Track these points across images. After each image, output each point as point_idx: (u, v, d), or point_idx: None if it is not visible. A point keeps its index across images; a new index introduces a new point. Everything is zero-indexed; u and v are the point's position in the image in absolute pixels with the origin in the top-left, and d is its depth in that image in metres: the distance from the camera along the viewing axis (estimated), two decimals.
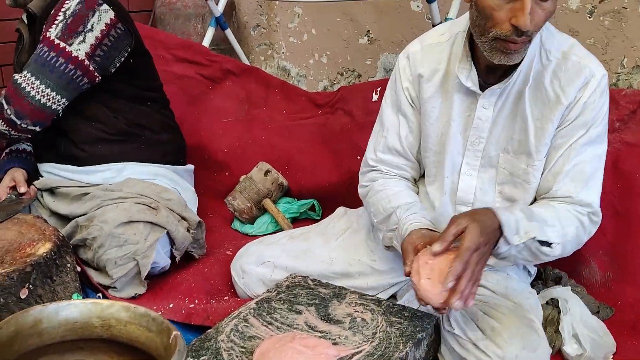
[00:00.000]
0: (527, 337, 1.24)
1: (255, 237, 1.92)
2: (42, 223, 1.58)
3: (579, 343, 1.36)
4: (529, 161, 1.35)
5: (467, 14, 1.33)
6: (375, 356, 1.22)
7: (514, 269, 1.51)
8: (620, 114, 1.73)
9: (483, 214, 1.20)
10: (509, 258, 1.26)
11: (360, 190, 1.54)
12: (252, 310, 1.37)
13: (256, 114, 2.32)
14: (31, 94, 1.62)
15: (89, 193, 1.70)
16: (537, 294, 1.50)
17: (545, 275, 1.61)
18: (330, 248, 1.59)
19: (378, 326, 1.31)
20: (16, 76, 1.64)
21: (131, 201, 1.64)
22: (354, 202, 1.79)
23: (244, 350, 1.23)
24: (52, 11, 1.66)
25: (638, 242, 1.66)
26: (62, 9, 1.64)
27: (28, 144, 1.88)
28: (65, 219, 1.73)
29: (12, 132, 1.67)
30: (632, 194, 1.68)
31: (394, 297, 1.51)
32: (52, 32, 1.63)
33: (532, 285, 1.58)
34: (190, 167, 1.98)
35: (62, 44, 1.63)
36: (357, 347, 1.24)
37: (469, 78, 1.34)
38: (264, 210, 2.06)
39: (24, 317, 1.05)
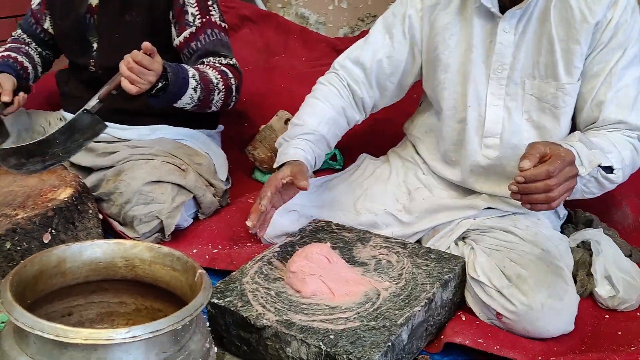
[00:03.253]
0: (554, 285, 1.20)
1: None
2: (62, 170, 1.57)
3: (611, 285, 1.32)
4: (558, 85, 1.30)
5: None
6: (402, 296, 1.19)
7: (545, 212, 1.47)
8: None
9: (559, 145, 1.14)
10: (577, 193, 1.21)
11: (314, 85, 1.54)
12: (276, 254, 1.35)
13: (275, 62, 2.27)
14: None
15: (117, 152, 1.69)
16: (568, 237, 1.46)
17: (576, 219, 1.57)
18: (355, 197, 1.56)
19: (404, 268, 1.29)
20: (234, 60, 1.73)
21: (161, 159, 1.63)
22: (376, 150, 1.76)
23: (268, 291, 1.21)
24: None
25: None
26: None
27: (25, 57, 1.82)
28: (85, 172, 1.72)
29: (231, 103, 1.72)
30: None
31: (419, 242, 1.48)
32: (215, 17, 1.71)
33: (563, 228, 1.54)
34: (221, 127, 1.98)
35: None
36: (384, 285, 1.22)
37: None
38: None
39: (47, 257, 1.04)
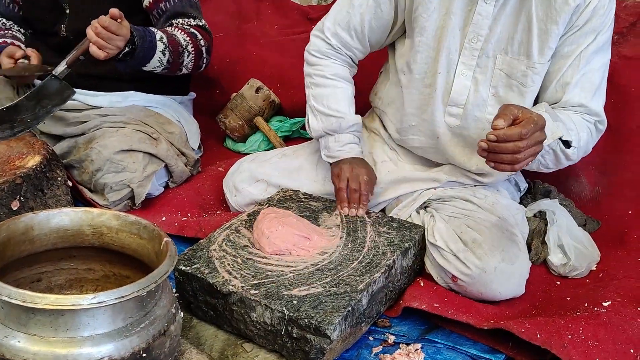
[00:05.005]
0: (508, 249, 1.26)
1: (247, 154, 1.91)
2: (31, 137, 1.57)
3: (563, 253, 1.38)
4: (529, 63, 1.31)
5: None
6: (364, 263, 1.24)
7: (505, 184, 1.52)
8: (620, 26, 1.69)
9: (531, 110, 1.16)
10: (533, 164, 1.24)
11: (308, 57, 1.53)
12: (243, 222, 1.38)
13: (247, 29, 2.26)
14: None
15: (87, 121, 1.68)
16: (526, 207, 1.51)
17: (535, 190, 1.63)
18: (322, 167, 1.59)
19: (366, 236, 1.34)
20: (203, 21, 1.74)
21: (133, 127, 1.64)
22: None
23: (235, 258, 1.25)
24: None
25: (628, 156, 1.67)
26: None
27: (14, 39, 1.80)
28: (55, 140, 1.72)
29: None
30: (625, 108, 1.67)
31: (382, 211, 1.53)
32: None
33: (522, 199, 1.60)
34: (193, 94, 1.98)
35: None
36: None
37: None
38: (255, 129, 2.05)
39: (15, 224, 1.06)
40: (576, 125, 1.25)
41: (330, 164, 1.49)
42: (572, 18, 1.27)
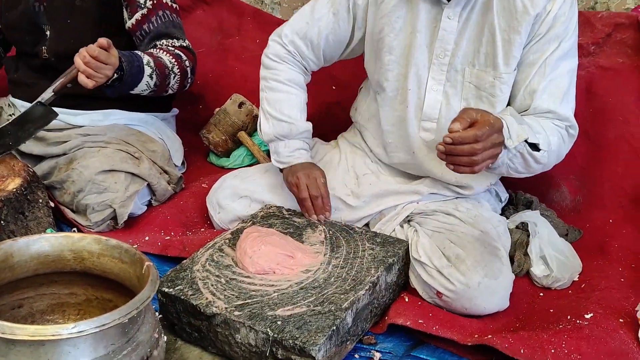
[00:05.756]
0: (491, 265, 1.27)
1: (231, 169, 1.91)
2: (12, 158, 1.56)
3: (546, 264, 1.39)
4: (496, 74, 1.33)
5: None
6: (348, 281, 1.24)
7: (486, 195, 1.53)
8: (596, 37, 1.71)
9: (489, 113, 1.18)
10: (501, 167, 1.26)
11: (265, 60, 1.56)
12: (227, 240, 1.38)
13: (229, 44, 2.25)
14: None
15: (68, 141, 1.67)
16: (508, 219, 1.53)
17: (517, 201, 1.64)
18: None
19: (350, 252, 1.34)
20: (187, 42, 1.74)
21: (114, 147, 1.63)
22: (330, 133, 1.79)
23: (218, 279, 1.25)
24: None
25: (608, 165, 1.69)
26: None
27: None
28: (35, 160, 1.71)
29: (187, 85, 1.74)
30: (603, 118, 1.69)
31: (367, 225, 1.53)
32: None
33: (504, 210, 1.61)
34: (175, 110, 1.98)
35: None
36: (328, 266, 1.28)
37: None
38: (239, 143, 2.05)
39: None
40: (545, 129, 1.27)
41: (282, 170, 1.52)
42: (534, 27, 1.30)
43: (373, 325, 1.29)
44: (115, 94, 1.55)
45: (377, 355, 1.22)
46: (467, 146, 1.11)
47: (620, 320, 1.18)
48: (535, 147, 1.24)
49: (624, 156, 1.68)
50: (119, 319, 0.92)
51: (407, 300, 1.32)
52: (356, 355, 1.22)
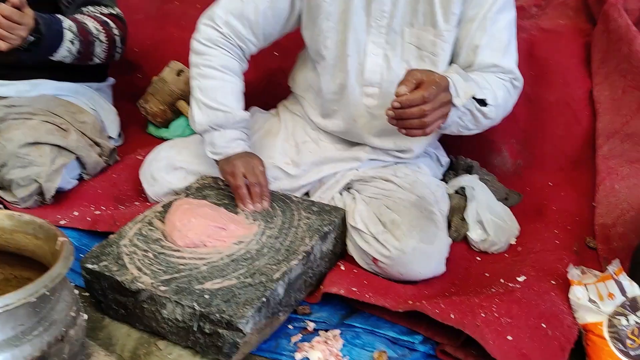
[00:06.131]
0: (426, 229, 1.25)
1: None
2: None
3: (483, 229, 1.39)
4: (436, 32, 1.31)
5: None
6: (281, 251, 1.21)
7: (426, 160, 1.51)
8: None
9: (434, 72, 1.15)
10: (452, 126, 1.24)
11: (195, 45, 1.45)
12: (157, 214, 1.33)
13: (168, 10, 2.16)
14: None
15: None
16: (447, 184, 1.51)
17: (457, 165, 1.63)
18: None
19: (285, 222, 1.30)
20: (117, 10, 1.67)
21: (40, 119, 1.55)
22: (272, 101, 1.74)
23: (145, 253, 1.20)
24: None
25: (549, 128, 1.68)
26: None
27: None
28: None
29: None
30: (544, 80, 1.68)
31: (306, 194, 1.50)
32: None
33: (444, 175, 1.59)
34: (111, 80, 1.89)
35: None
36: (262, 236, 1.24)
37: None
38: (178, 113, 1.97)
39: None
40: (491, 84, 1.26)
41: (217, 162, 1.41)
42: None
43: (308, 295, 1.26)
44: (34, 59, 1.46)
45: (311, 325, 1.19)
46: (415, 108, 1.09)
47: (553, 282, 1.18)
48: (483, 102, 1.23)
49: (564, 119, 1.68)
50: (26, 299, 0.86)
51: (343, 268, 1.30)
52: (290, 326, 1.20)
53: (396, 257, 1.23)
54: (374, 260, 1.26)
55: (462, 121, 1.24)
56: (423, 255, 1.24)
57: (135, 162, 1.69)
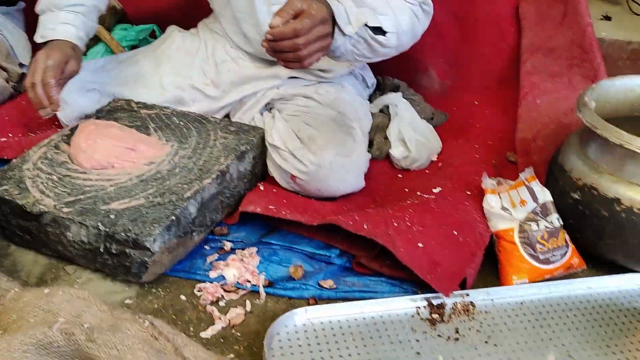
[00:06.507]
0: (343, 143, 1.22)
1: None
2: None
3: (405, 146, 1.37)
4: None
5: None
6: (194, 171, 1.17)
7: (351, 79, 1.47)
8: None
9: (317, 1, 1.07)
10: (347, 54, 1.16)
11: None
12: (64, 137, 1.26)
13: None
14: None
15: None
16: (372, 103, 1.48)
17: (384, 86, 1.60)
18: (161, 73, 1.46)
19: (200, 142, 1.26)
20: None
21: None
22: (196, 19, 1.65)
23: (50, 176, 1.14)
24: None
25: (477, 47, 1.66)
26: None
27: None
28: None
29: None
30: None
31: (227, 116, 1.45)
32: None
33: (371, 96, 1.56)
34: (22, 4, 1.76)
35: None
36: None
37: None
38: (97, 39, 1.86)
39: None
40: (394, 9, 1.18)
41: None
42: None
43: (226, 216, 1.23)
44: None
45: (228, 244, 1.17)
46: (288, 42, 1.02)
47: (468, 192, 1.18)
48: (380, 31, 1.17)
49: (491, 38, 1.66)
50: None
51: (262, 188, 1.26)
52: (206, 247, 1.17)
53: (313, 172, 1.21)
54: (292, 177, 1.24)
55: (357, 49, 1.16)
56: (340, 168, 1.21)
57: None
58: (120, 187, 1.12)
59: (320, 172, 1.20)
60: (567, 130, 1.32)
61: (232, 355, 0.95)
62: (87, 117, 1.36)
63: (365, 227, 1.05)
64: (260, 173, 1.32)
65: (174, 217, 1.05)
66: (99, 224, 1.03)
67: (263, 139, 1.30)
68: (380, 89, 1.59)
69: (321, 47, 1.05)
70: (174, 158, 1.21)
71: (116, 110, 1.36)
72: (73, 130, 1.27)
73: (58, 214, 1.05)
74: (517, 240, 1.08)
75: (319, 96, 1.34)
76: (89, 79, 1.43)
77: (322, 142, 1.21)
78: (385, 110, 1.47)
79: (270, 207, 1.17)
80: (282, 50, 1.03)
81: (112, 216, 1.04)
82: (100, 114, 1.35)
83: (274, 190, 1.26)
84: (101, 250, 1.04)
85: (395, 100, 1.43)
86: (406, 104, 1.43)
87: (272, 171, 1.29)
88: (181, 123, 1.32)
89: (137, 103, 1.39)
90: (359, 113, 1.35)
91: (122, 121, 1.31)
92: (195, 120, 1.34)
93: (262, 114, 1.39)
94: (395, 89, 1.57)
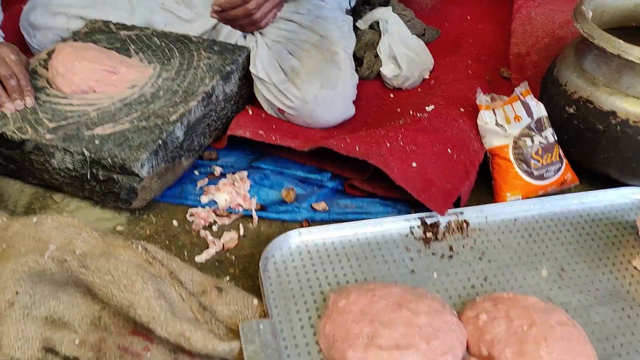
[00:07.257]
0: (327, 73, 1.18)
1: None
2: None
3: (396, 63, 1.33)
4: None
5: None
6: (179, 93, 1.13)
7: None
8: None
9: None
10: None
11: None
12: (42, 61, 1.20)
13: None
14: None
15: None
16: (361, 19, 1.42)
17: (373, 0, 1.53)
18: None
19: (184, 63, 1.21)
20: None
21: None
22: None
23: None
24: None
25: None
26: None
27: None
28: None
29: None
30: None
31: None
32: None
33: (359, 11, 1.49)
34: None
35: None
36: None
37: None
38: None
39: None
40: None
41: None
42: None
43: (215, 140, 1.20)
44: None
45: (218, 169, 1.15)
46: (239, 10, 1.00)
47: (461, 109, 1.15)
48: None
49: None
50: None
51: (250, 113, 1.23)
52: (196, 172, 1.15)
53: (299, 107, 1.17)
54: (280, 110, 1.20)
55: None
56: (326, 102, 1.17)
57: (18, 14, 1.50)
58: (103, 112, 1.08)
59: (306, 107, 1.16)
60: (562, 43, 1.29)
61: (227, 278, 0.95)
62: (64, 40, 1.30)
63: (358, 149, 1.03)
64: (247, 95, 1.28)
65: (160, 142, 1.02)
66: (84, 150, 1.00)
67: (249, 58, 1.25)
68: (369, 3, 1.52)
69: (274, 4, 1.03)
70: (157, 80, 1.16)
71: (94, 32, 1.30)
72: (50, 54, 1.21)
73: (41, 140, 1.01)
74: (511, 156, 1.07)
75: (300, 16, 1.27)
76: (54, 2, 1.35)
77: (305, 76, 1.16)
78: (375, 27, 1.41)
79: (260, 132, 1.14)
80: (233, 19, 1.00)
81: (96, 141, 1.01)
82: (77, 36, 1.29)
83: (263, 116, 1.22)
84: (88, 177, 1.02)
85: (385, 15, 1.37)
86: (396, 19, 1.37)
87: (261, 101, 1.25)
88: (163, 44, 1.26)
89: (115, 24, 1.33)
90: (343, 31, 1.28)
91: (101, 43, 1.25)
92: (178, 40, 1.28)
93: (245, 38, 1.32)
94: (385, 3, 1.51)
